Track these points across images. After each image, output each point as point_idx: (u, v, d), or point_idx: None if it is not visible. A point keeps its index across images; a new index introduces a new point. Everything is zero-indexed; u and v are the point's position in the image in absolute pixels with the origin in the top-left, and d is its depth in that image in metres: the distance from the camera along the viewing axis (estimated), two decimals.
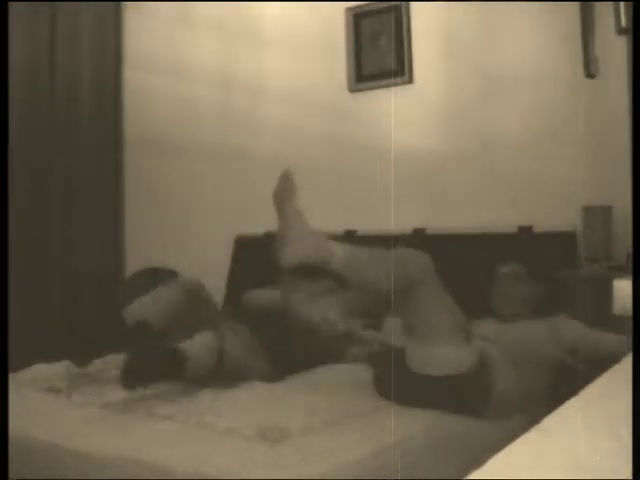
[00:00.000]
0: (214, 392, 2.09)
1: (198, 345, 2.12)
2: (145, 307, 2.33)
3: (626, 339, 1.63)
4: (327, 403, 1.91)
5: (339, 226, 3.27)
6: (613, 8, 2.35)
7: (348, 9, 3.33)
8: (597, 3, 2.45)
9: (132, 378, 2.00)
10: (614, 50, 2.55)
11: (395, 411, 1.90)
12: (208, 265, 3.41)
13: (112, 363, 2.32)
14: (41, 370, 2.33)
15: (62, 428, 1.75)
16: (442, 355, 1.96)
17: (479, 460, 0.78)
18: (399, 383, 1.93)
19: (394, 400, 1.92)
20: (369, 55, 3.29)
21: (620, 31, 2.36)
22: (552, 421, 0.98)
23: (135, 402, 1.94)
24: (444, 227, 3.01)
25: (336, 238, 2.09)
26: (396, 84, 3.21)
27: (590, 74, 2.48)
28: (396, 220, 3.16)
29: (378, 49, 3.27)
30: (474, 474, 0.76)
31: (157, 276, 3.05)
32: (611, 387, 1.17)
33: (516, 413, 1.91)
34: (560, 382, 2.07)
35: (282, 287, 2.73)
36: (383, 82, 3.25)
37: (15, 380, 2.14)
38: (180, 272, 2.87)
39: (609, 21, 2.40)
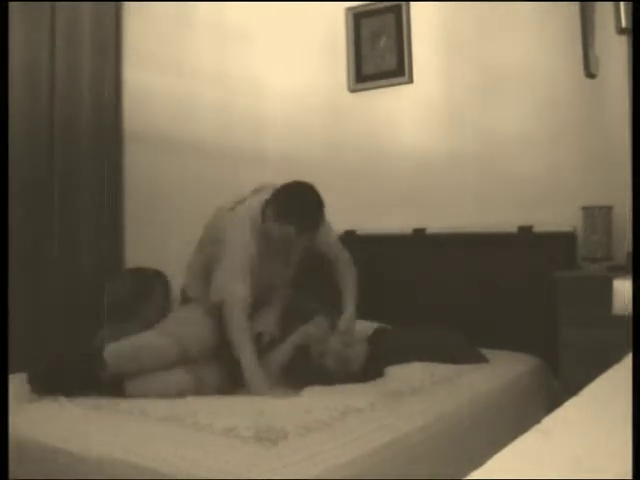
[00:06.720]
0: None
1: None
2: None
3: None
4: (323, 402, 1.90)
5: (339, 226, 3.27)
6: (613, 8, 2.35)
7: (348, 9, 3.33)
8: (597, 3, 2.45)
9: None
10: (614, 50, 2.55)
11: (392, 407, 1.90)
12: None
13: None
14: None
15: (59, 429, 1.75)
16: None
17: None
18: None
19: None
20: (369, 55, 3.29)
21: (620, 31, 2.36)
22: (552, 421, 0.98)
23: (131, 403, 1.93)
24: (444, 227, 3.01)
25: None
26: (396, 84, 3.21)
27: (590, 74, 2.48)
28: (396, 220, 3.16)
29: (378, 49, 3.27)
30: (474, 474, 0.76)
31: (142, 277, 3.05)
32: (611, 387, 1.17)
33: None
34: None
35: None
36: (383, 82, 3.25)
37: (15, 380, 2.13)
38: (175, 273, 2.86)
39: (609, 21, 2.40)
